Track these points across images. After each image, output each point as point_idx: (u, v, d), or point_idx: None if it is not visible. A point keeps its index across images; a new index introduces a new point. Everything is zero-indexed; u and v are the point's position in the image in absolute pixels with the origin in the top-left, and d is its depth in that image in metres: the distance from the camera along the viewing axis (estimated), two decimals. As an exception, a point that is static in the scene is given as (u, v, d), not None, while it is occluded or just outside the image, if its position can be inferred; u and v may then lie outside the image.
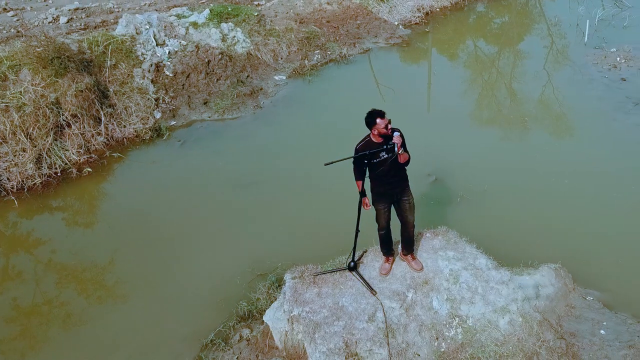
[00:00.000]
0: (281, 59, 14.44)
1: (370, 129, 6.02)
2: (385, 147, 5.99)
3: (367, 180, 6.41)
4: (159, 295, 7.89)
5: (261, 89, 13.25)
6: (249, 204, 9.42)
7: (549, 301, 6.81)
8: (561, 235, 8.22)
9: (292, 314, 6.46)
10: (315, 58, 14.56)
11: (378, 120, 5.88)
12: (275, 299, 7.18)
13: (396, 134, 5.89)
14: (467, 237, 7.33)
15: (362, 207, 6.45)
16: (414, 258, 6.88)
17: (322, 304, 6.48)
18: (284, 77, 13.82)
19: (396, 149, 5.85)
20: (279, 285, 7.50)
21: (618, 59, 13.36)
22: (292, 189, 9.73)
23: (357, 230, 6.51)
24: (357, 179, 6.33)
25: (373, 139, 6.05)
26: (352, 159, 6.14)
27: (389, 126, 5.89)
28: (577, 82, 12.86)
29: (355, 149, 6.15)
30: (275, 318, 6.67)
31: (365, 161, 6.16)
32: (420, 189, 8.92)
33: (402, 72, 14.58)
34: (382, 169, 6.09)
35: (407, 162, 6.16)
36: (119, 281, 8.18)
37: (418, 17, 16.81)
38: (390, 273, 6.78)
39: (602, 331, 6.65)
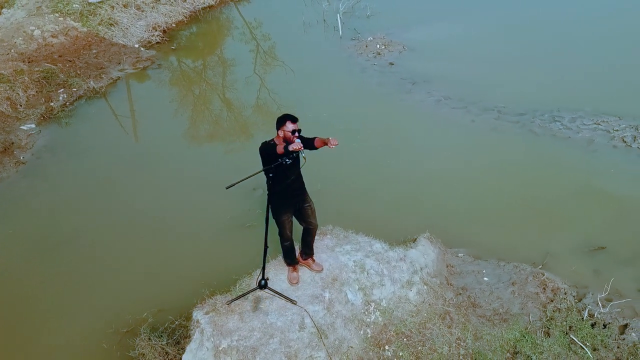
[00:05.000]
0: (21, 106, 14.16)
1: (278, 130, 6.78)
2: (287, 158, 6.71)
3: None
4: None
5: (13, 144, 12.91)
6: (67, 267, 9.43)
7: (435, 266, 8.45)
8: (413, 208, 10.01)
9: (220, 348, 7.02)
10: (61, 98, 14.57)
11: (287, 123, 6.68)
12: (162, 348, 7.67)
13: (296, 141, 6.61)
14: (352, 229, 8.63)
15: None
16: (314, 261, 7.93)
17: (251, 327, 7.17)
18: (34, 125, 13.63)
19: (299, 149, 6.60)
20: (160, 335, 7.92)
21: (378, 46, 15.94)
22: (108, 237, 10.00)
23: (266, 247, 7.25)
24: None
25: (277, 143, 6.79)
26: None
27: (296, 134, 6.68)
28: (352, 73, 15.09)
29: (259, 149, 6.85)
30: (198, 359, 7.16)
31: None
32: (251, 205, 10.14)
33: (154, 97, 15.33)
34: (287, 174, 6.89)
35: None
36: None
37: (158, 35, 17.70)
38: (300, 280, 7.75)
39: (485, 278, 8.51)
